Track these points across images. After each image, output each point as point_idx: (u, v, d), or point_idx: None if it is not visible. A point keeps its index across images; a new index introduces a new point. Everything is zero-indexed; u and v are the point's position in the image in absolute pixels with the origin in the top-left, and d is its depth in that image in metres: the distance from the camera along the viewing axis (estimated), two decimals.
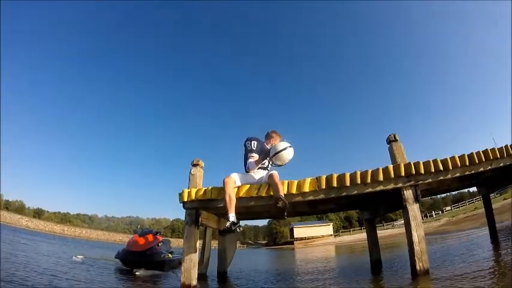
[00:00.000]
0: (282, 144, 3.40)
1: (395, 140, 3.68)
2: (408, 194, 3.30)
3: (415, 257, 3.04)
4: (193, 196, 3.56)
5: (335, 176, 3.33)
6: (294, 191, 3.33)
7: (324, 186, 3.30)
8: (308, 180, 3.36)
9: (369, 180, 3.29)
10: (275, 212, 3.00)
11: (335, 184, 3.28)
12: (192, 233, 3.52)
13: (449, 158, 3.52)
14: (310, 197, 3.34)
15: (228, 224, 2.97)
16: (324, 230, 48.66)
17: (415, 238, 3.10)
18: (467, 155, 3.62)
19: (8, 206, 63.56)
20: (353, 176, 3.31)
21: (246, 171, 3.57)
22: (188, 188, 3.71)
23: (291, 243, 46.43)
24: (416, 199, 3.30)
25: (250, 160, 3.50)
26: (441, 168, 3.43)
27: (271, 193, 3.26)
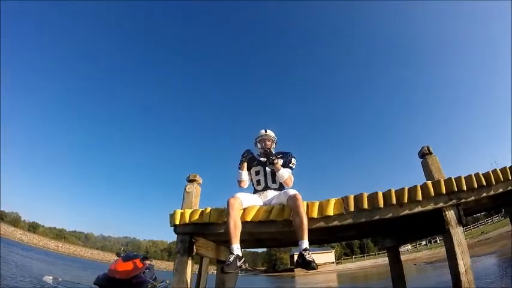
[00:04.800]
0: None
1: (430, 153, 3.11)
2: (450, 215, 2.68)
3: None
4: (187, 219, 2.87)
5: (365, 195, 2.65)
6: (315, 214, 2.63)
7: (352, 209, 2.62)
8: (332, 201, 2.67)
9: (405, 200, 2.64)
10: (299, 264, 2.28)
11: (366, 206, 2.61)
12: (184, 264, 2.80)
13: (491, 171, 2.99)
14: (335, 222, 2.63)
15: (231, 258, 2.28)
16: (326, 257, 46.87)
17: (461, 268, 2.46)
18: (509, 168, 3.08)
19: (3, 217, 62.94)
20: (387, 196, 2.65)
21: (239, 184, 3.16)
22: (181, 209, 3.03)
23: (291, 270, 44.66)
24: (460, 221, 2.68)
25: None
26: (484, 183, 2.86)
27: (285, 217, 2.62)
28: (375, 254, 48.09)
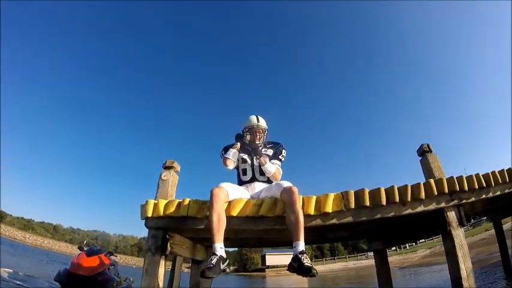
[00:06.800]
0: None
1: (430, 151, 2.96)
2: (452, 216, 2.53)
3: None
4: (161, 211, 2.46)
5: (367, 191, 2.38)
6: (311, 211, 2.31)
7: (352, 206, 2.34)
8: (331, 196, 2.36)
9: (409, 199, 2.41)
10: (294, 269, 1.93)
11: (367, 203, 2.34)
12: (155, 265, 2.40)
13: (490, 173, 2.93)
14: (334, 220, 2.33)
15: (214, 260, 1.89)
16: None
17: (463, 272, 2.30)
18: (506, 170, 3.04)
19: None
20: (390, 193, 2.40)
21: (224, 161, 2.69)
22: (155, 199, 2.62)
23: (262, 270, 44.66)
24: (461, 222, 2.55)
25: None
26: (484, 184, 2.78)
27: (277, 212, 2.29)
28: (345, 257, 48.97)
